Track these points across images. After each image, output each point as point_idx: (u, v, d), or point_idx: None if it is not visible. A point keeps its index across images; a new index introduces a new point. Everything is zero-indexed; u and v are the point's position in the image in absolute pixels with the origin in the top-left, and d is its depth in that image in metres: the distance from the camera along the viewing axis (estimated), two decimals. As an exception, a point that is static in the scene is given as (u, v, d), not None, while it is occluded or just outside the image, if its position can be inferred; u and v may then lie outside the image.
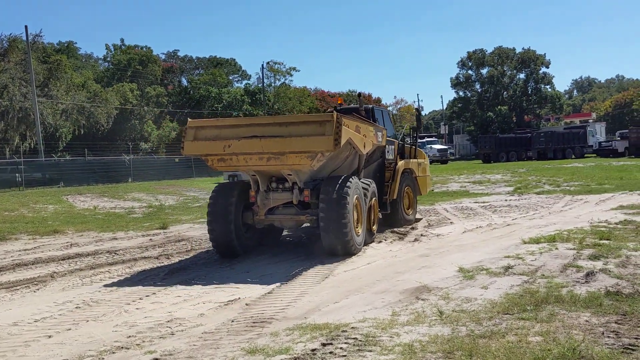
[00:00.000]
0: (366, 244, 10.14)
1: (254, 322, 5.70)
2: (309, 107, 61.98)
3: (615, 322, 4.76)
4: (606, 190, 19.01)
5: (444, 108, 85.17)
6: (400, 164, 12.80)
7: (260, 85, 59.22)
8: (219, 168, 9.45)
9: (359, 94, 13.96)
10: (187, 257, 10.21)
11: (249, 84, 66.60)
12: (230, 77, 73.07)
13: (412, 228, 12.28)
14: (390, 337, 4.89)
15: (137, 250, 11.18)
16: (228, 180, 34.73)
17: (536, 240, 9.46)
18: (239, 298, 6.81)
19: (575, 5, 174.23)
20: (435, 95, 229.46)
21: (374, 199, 10.70)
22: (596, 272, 6.63)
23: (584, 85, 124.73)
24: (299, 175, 9.27)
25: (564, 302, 5.48)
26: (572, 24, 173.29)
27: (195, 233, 13.50)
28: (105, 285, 8.01)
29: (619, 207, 13.95)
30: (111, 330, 5.77)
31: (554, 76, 75.60)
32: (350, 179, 9.25)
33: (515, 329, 4.79)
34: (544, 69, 73.41)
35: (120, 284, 8.11)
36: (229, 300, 6.72)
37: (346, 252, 9.09)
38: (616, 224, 11.14)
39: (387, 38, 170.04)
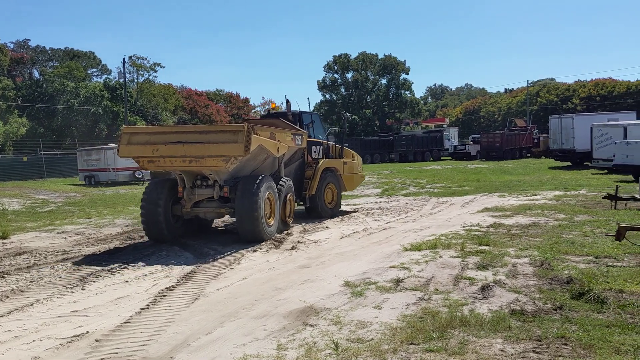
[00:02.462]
0: (281, 232, 11.63)
1: (105, 368, 4.54)
2: (174, 104, 59.23)
3: (533, 351, 4.29)
4: (467, 192, 19.78)
5: (311, 110, 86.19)
6: (322, 163, 14.20)
7: (121, 80, 55.39)
8: (149, 168, 10.86)
9: (287, 100, 14.82)
10: (27, 275, 8.56)
11: (109, 78, 62.20)
12: (89, 71, 68.14)
13: (288, 234, 11.54)
14: (279, 381, 4.03)
15: (-37, 268, 9.26)
16: (84, 182, 32.58)
17: (417, 247, 9.12)
18: (88, 332, 5.52)
19: (422, 14, 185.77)
20: (302, 97, 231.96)
21: (289, 194, 12.27)
22: (491, 285, 6.28)
23: (437, 93, 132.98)
24: (218, 174, 10.75)
25: (470, 326, 4.93)
26: (426, 33, 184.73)
27: (41, 243, 11.69)
28: None
29: (484, 210, 14.35)
30: None
31: (413, 82, 79.66)
32: (263, 178, 10.74)
33: (426, 366, 4.13)
34: (404, 75, 77.04)
35: None
36: (75, 336, 5.42)
37: (258, 239, 10.52)
38: (488, 227, 11.27)
39: (255, 40, 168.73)
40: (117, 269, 8.75)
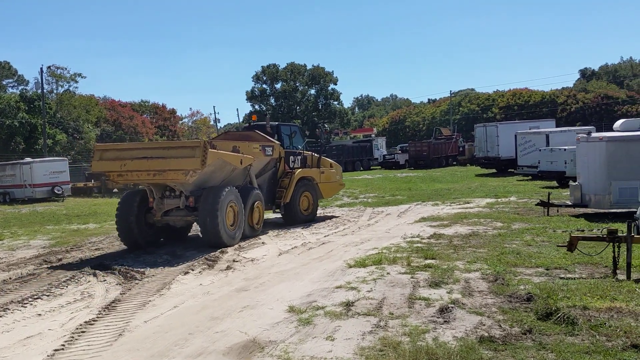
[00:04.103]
0: (248, 238, 12.38)
1: None
2: (97, 116, 56.43)
3: (515, 388, 3.85)
4: (401, 201, 19.66)
5: (240, 121, 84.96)
6: (298, 172, 14.90)
7: (39, 91, 52.05)
8: (119, 182, 12.09)
9: (266, 114, 16.51)
10: None
11: (25, 89, 58.43)
12: (4, 82, 63.93)
13: (222, 252, 10.77)
14: None
15: None
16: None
17: (362, 263, 8.64)
18: (-13, 385, 4.65)
19: (348, 26, 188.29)
20: (231, 108, 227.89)
21: (257, 202, 12.99)
22: (450, 306, 5.83)
23: (364, 103, 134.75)
24: (183, 186, 11.56)
25: (438, 359, 4.43)
26: (352, 45, 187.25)
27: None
28: None
29: (421, 220, 14.15)
30: None
31: (341, 93, 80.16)
32: (224, 188, 11.57)
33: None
34: (332, 86, 77.43)
35: None
36: (-30, 391, 4.53)
37: (218, 244, 11.20)
38: (429, 238, 10.99)
39: (180, 50, 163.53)
40: (29, 299, 7.73)
